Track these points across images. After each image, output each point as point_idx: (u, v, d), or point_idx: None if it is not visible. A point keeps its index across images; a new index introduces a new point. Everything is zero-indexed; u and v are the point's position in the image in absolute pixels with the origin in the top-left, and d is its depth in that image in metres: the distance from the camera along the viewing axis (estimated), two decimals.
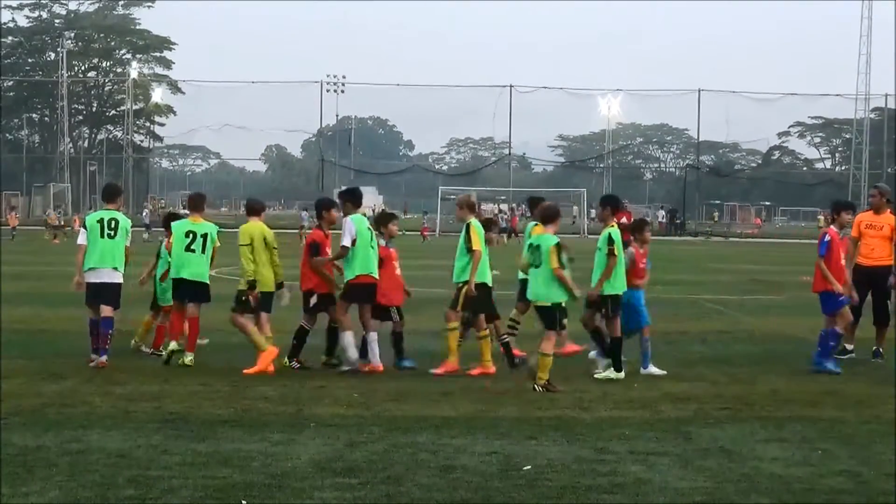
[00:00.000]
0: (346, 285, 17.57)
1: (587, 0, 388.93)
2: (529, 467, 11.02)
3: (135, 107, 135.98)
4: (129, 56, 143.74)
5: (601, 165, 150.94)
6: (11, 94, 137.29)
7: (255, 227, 18.13)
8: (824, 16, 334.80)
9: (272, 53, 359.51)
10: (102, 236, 17.93)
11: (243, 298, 17.69)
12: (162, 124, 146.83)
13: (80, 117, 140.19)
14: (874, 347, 19.40)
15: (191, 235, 18.34)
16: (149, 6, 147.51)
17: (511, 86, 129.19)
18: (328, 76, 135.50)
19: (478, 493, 10.00)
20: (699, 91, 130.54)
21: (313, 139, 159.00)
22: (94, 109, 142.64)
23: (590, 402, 14.77)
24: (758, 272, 22.34)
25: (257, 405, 14.21)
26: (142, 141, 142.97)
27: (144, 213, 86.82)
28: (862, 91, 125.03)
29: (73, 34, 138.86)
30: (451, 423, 13.21)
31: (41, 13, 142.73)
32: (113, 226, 17.99)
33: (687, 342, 20.90)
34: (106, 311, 17.72)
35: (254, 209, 18.81)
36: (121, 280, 18.14)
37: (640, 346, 17.28)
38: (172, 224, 19.00)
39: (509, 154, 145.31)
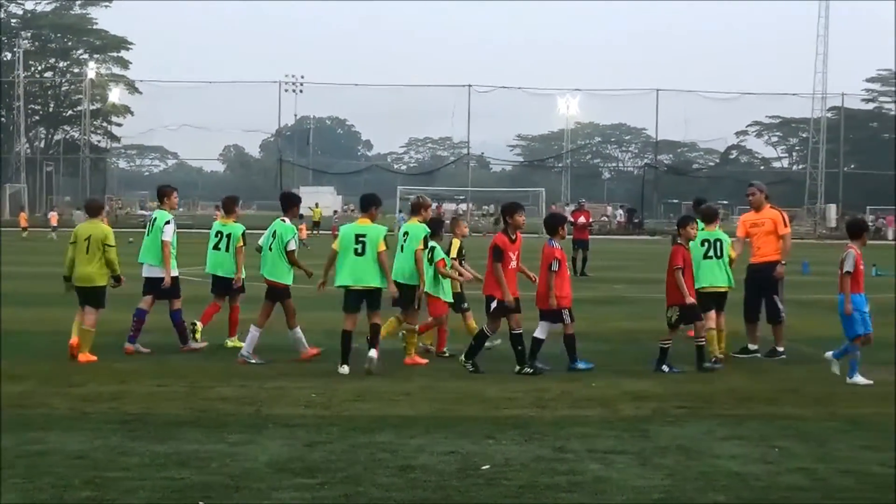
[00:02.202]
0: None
1: (544, 0, 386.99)
2: (488, 466, 11.03)
3: (92, 107, 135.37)
4: (86, 56, 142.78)
5: (560, 165, 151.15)
6: None
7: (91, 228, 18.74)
8: (781, 16, 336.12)
9: (230, 53, 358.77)
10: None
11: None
12: (119, 124, 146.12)
13: (37, 117, 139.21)
14: (772, 346, 19.70)
15: (219, 235, 20.41)
16: (106, 6, 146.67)
17: (469, 85, 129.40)
18: (287, 76, 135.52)
19: (437, 493, 10.01)
20: (657, 91, 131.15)
21: (272, 139, 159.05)
22: (50, 109, 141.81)
23: (549, 401, 14.82)
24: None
25: (216, 406, 14.19)
26: (99, 141, 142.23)
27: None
28: (819, 90, 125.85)
29: (29, 34, 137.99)
30: (411, 422, 13.22)
31: None
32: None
33: (646, 340, 20.94)
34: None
35: (92, 209, 19.44)
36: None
37: (849, 353, 16.96)
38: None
39: (468, 154, 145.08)
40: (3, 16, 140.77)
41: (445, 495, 9.93)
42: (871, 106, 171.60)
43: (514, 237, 17.54)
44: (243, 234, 20.44)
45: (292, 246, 18.34)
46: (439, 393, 15.37)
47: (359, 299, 17.65)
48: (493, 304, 17.29)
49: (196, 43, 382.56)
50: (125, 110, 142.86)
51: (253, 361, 17.89)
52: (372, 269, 17.45)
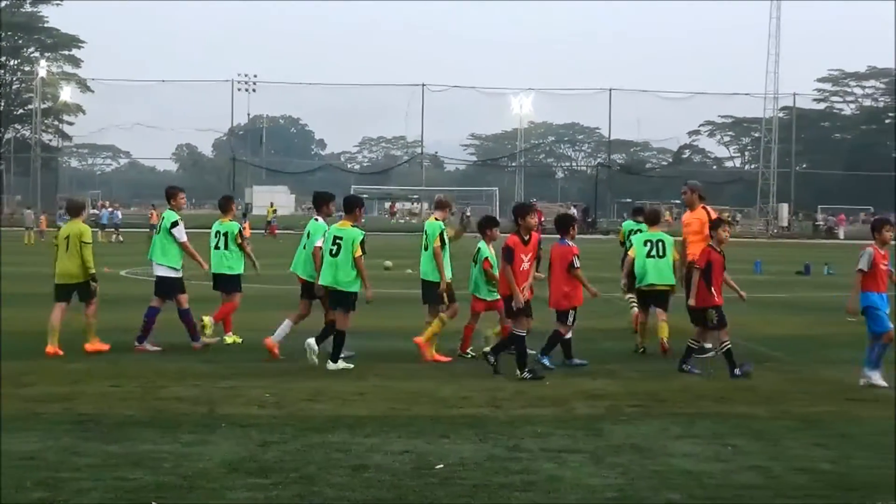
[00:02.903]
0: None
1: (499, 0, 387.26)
2: (442, 466, 11.04)
3: (43, 105, 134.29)
4: (37, 54, 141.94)
5: (513, 164, 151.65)
6: None
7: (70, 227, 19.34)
8: (733, 16, 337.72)
9: (183, 52, 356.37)
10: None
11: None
12: (71, 123, 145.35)
13: None
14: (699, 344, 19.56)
15: (217, 235, 21.07)
16: (57, 4, 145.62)
17: (423, 85, 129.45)
18: (239, 75, 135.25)
19: (391, 492, 10.00)
20: (610, 90, 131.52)
21: (225, 138, 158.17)
22: (0, 108, 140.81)
23: (503, 400, 14.83)
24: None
25: (169, 406, 14.12)
26: (50, 140, 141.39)
27: (106, 213, 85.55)
28: (771, 90, 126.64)
29: None
30: (365, 422, 13.20)
31: None
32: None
33: (601, 339, 21.04)
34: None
35: (72, 209, 20.22)
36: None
37: (874, 351, 16.66)
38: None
39: (421, 153, 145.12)
40: None
41: (400, 494, 9.93)
42: (822, 106, 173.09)
43: (527, 238, 17.48)
44: (240, 232, 21.09)
45: (318, 243, 18.35)
46: (393, 392, 15.35)
47: (334, 298, 17.76)
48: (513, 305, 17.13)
49: (149, 42, 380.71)
50: (77, 109, 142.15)
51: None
52: (344, 271, 17.49)
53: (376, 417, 13.52)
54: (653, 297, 19.31)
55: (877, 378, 16.22)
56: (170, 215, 19.93)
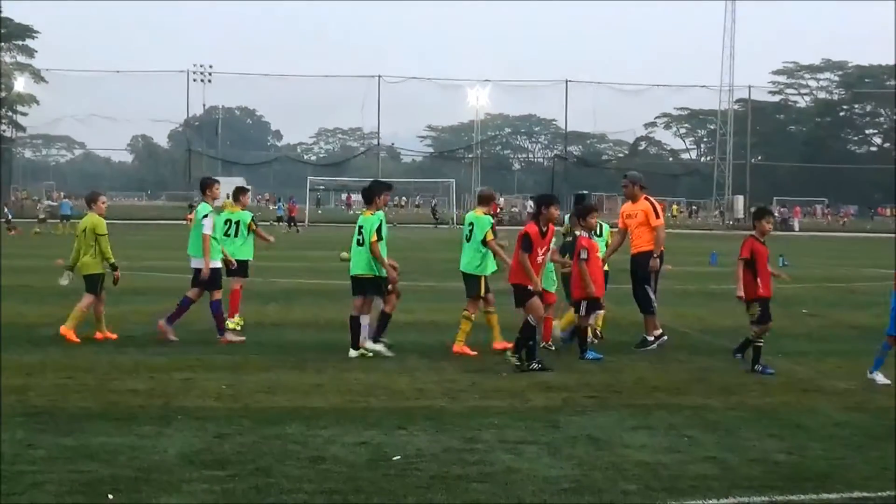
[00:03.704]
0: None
1: None
2: (399, 457, 11.06)
3: None
4: None
5: (470, 156, 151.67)
6: None
7: (87, 219, 20.09)
8: (689, 8, 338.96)
9: (139, 43, 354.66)
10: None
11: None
12: (25, 114, 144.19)
13: None
14: (642, 336, 19.81)
15: (228, 223, 21.80)
16: None
17: (379, 76, 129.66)
18: (195, 66, 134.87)
19: (347, 484, 10.00)
20: (566, 82, 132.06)
21: (180, 129, 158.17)
22: None
23: (459, 392, 14.86)
24: (624, 262, 22.46)
25: (125, 398, 14.04)
26: (4, 131, 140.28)
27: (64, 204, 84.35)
28: (726, 83, 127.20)
29: None
30: (321, 414, 13.20)
31: None
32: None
33: (554, 330, 21.12)
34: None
35: (89, 200, 20.73)
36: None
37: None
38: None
39: (378, 144, 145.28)
40: None
41: (356, 486, 9.92)
42: (777, 98, 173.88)
43: (545, 230, 17.44)
44: (253, 220, 21.80)
45: (375, 237, 18.38)
46: (350, 385, 15.35)
47: (359, 286, 18.36)
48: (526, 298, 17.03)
49: (104, 32, 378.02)
50: (31, 99, 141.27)
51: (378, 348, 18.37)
52: (366, 257, 18.13)
53: (333, 410, 13.51)
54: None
55: (880, 378, 16.07)
56: (204, 208, 20.01)
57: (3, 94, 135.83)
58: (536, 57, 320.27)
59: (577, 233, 18.50)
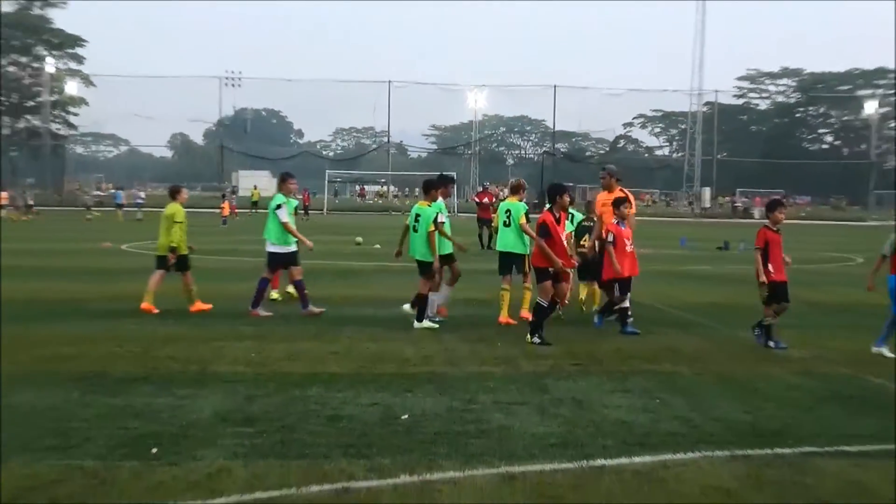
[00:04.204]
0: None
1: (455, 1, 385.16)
2: (406, 416, 11.11)
3: (51, 98, 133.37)
4: (45, 52, 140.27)
5: (469, 152, 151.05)
6: None
7: (169, 207, 20.17)
8: (663, 18, 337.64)
9: (177, 50, 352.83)
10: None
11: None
12: (76, 114, 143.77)
13: (2, 108, 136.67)
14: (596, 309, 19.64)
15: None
16: (62, 6, 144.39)
17: (389, 81, 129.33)
18: (226, 71, 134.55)
19: (361, 439, 10.06)
20: (555, 87, 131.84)
21: (214, 128, 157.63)
22: (14, 101, 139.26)
23: (459, 360, 14.87)
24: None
25: (165, 364, 14.09)
26: (58, 129, 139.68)
27: (117, 194, 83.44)
28: (696, 88, 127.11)
29: None
30: (338, 378, 13.23)
31: None
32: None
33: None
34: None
35: (172, 193, 20.85)
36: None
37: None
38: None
39: (388, 142, 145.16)
40: None
41: (369, 441, 9.97)
42: (740, 101, 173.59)
43: (558, 216, 17.31)
44: (297, 209, 21.07)
45: (441, 219, 18.51)
46: (363, 352, 15.35)
47: (420, 267, 18.38)
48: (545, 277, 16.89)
49: (145, 40, 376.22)
50: (80, 101, 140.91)
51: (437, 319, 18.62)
52: (422, 244, 18.16)
53: (348, 375, 13.53)
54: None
55: (886, 351, 15.84)
56: (278, 198, 20.09)
57: (56, 97, 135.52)
58: (529, 63, 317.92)
59: (595, 219, 18.61)
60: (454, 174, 21.18)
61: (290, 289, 21.05)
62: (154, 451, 9.56)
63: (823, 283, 29.21)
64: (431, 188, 18.78)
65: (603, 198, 19.77)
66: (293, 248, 19.99)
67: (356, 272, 27.20)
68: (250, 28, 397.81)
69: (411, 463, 9.26)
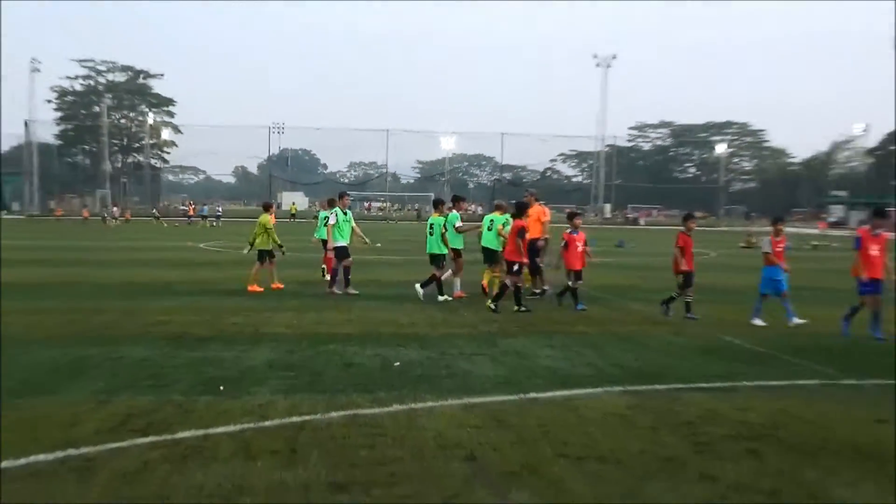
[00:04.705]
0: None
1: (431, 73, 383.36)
2: (398, 364, 11.06)
3: (151, 141, 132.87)
4: (146, 109, 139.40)
5: (443, 178, 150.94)
6: (71, 133, 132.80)
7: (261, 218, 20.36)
8: (576, 80, 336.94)
9: (238, 105, 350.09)
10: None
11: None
12: (168, 152, 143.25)
13: (116, 148, 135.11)
14: (542, 289, 19.38)
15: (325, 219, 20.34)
16: (160, 78, 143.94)
17: (388, 130, 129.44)
18: (274, 122, 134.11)
19: (366, 380, 10.02)
20: (502, 134, 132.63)
21: (265, 162, 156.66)
22: (124, 143, 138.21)
23: (437, 324, 14.79)
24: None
25: (229, 328, 13.98)
26: (155, 163, 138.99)
27: (203, 209, 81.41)
28: (600, 134, 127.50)
29: (111, 95, 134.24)
30: (351, 337, 13.15)
31: (90, 83, 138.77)
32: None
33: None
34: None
35: (265, 207, 20.98)
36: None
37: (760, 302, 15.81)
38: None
39: (386, 172, 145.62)
40: (93, 84, 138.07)
41: (372, 381, 9.94)
42: (631, 144, 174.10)
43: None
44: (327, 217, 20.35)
45: (458, 224, 18.85)
46: (369, 319, 15.27)
47: (433, 260, 18.73)
48: (514, 267, 16.77)
49: (217, 99, 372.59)
50: (172, 143, 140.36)
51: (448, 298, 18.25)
52: (437, 242, 18.62)
53: (358, 335, 13.45)
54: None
55: (759, 321, 15.48)
56: (336, 212, 19.88)
57: (154, 141, 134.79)
58: (485, 116, 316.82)
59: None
60: (465, 195, 20.90)
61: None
62: (221, 388, 9.50)
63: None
64: (438, 204, 19.37)
65: (531, 211, 19.67)
66: (344, 243, 19.77)
67: (367, 263, 27.06)
68: (292, 90, 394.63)
69: (401, 396, 9.23)
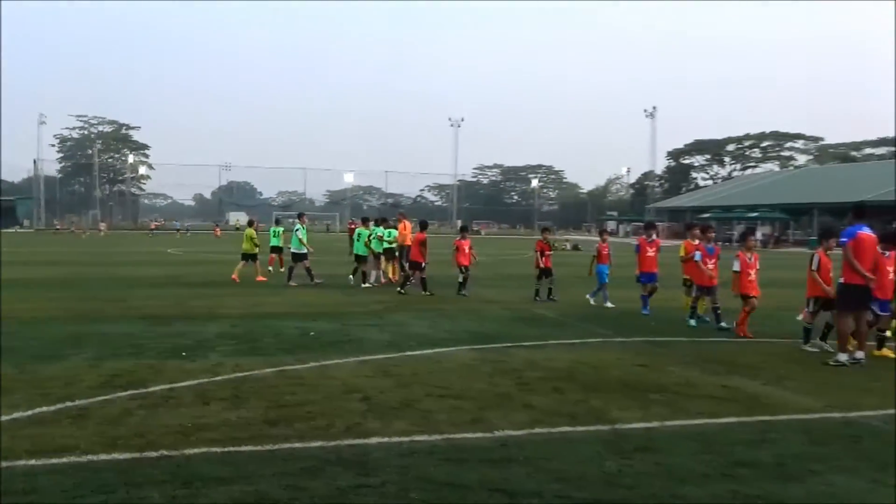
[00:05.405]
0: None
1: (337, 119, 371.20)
2: (314, 333, 10.78)
3: (131, 175, 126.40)
4: (127, 151, 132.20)
5: (345, 202, 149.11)
6: (70, 169, 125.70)
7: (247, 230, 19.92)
8: (436, 126, 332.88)
9: (198, 147, 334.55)
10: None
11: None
12: (144, 183, 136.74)
13: (104, 179, 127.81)
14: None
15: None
16: (137, 129, 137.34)
17: (387, 171, 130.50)
18: (223, 162, 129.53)
19: (290, 345, 9.74)
20: (386, 172, 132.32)
21: (216, 190, 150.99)
22: (111, 176, 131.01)
23: (340, 305, 14.48)
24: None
25: (192, 309, 13.32)
26: (133, 191, 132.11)
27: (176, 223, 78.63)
28: (454, 172, 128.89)
29: (100, 141, 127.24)
30: (281, 315, 12.76)
31: (83, 132, 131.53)
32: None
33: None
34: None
35: (250, 223, 20.75)
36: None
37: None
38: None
39: (305, 197, 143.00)
40: (87, 133, 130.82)
41: (294, 346, 9.68)
42: (475, 179, 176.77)
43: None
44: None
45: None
46: (329, 300, 14.97)
47: (357, 259, 18.38)
48: (424, 265, 16.55)
49: (180, 143, 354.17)
50: (147, 177, 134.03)
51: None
52: (362, 246, 18.29)
53: (285, 313, 13.08)
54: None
55: (592, 301, 15.08)
56: (298, 226, 19.02)
57: (133, 175, 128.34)
58: (376, 154, 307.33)
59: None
60: (368, 216, 20.56)
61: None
62: (184, 354, 9.07)
63: (518, 263, 29.82)
64: (367, 220, 19.27)
65: (401, 227, 19.21)
66: (305, 251, 18.91)
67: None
68: (239, 133, 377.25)
69: (315, 356, 9.02)
